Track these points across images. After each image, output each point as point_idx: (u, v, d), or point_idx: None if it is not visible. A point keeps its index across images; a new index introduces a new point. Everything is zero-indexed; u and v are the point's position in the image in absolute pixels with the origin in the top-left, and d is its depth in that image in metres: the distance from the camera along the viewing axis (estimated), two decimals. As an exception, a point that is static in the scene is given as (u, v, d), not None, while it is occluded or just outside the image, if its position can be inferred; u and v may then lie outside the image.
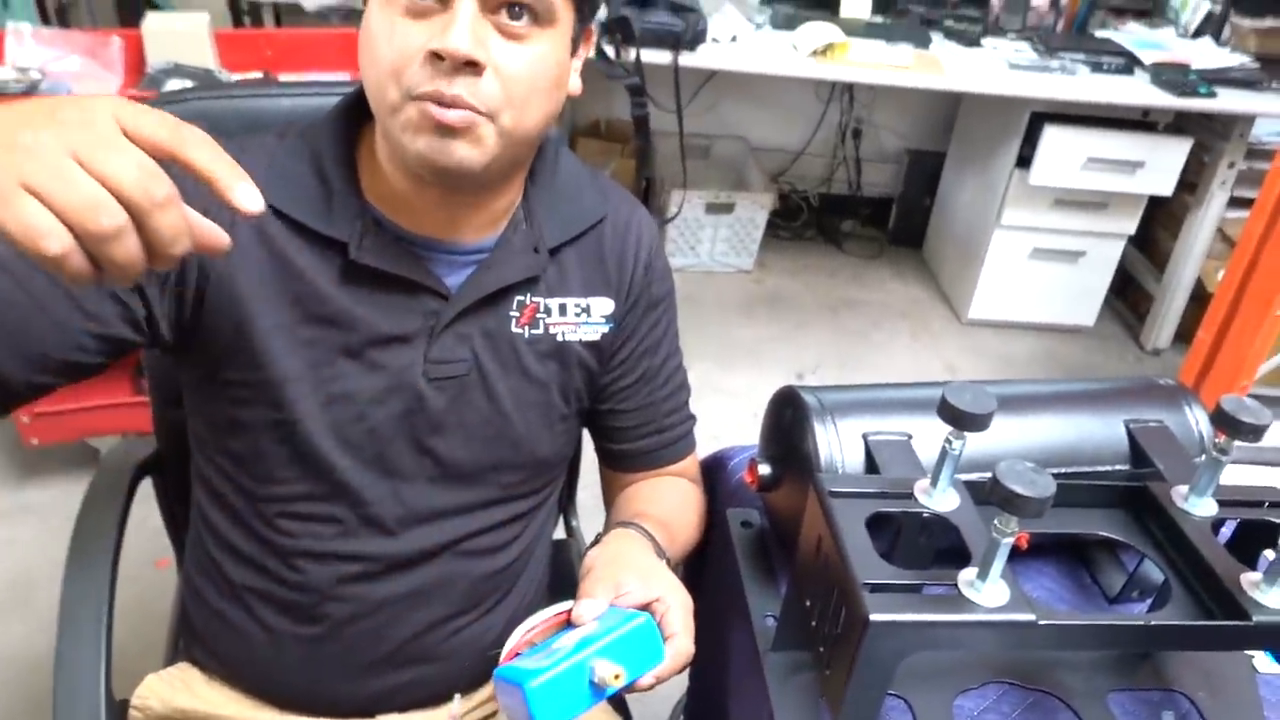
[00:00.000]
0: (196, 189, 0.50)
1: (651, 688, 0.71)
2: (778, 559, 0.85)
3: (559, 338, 0.85)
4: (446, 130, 0.68)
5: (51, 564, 0.97)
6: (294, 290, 0.76)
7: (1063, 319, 2.96)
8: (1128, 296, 3.13)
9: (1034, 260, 2.84)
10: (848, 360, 2.75)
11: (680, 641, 0.72)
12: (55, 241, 0.44)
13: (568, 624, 0.74)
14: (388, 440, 0.81)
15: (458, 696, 0.89)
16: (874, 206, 3.46)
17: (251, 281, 0.75)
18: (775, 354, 2.72)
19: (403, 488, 0.83)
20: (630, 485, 0.98)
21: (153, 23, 1.92)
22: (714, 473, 1.01)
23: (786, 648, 0.74)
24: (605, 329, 0.88)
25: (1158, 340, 2.93)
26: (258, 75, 2.03)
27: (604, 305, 0.87)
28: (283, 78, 2.04)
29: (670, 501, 0.95)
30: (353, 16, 2.62)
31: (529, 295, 0.83)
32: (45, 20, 2.35)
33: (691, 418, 0.99)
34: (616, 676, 0.65)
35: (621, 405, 0.93)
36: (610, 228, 0.88)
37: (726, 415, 2.31)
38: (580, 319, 0.86)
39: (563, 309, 0.85)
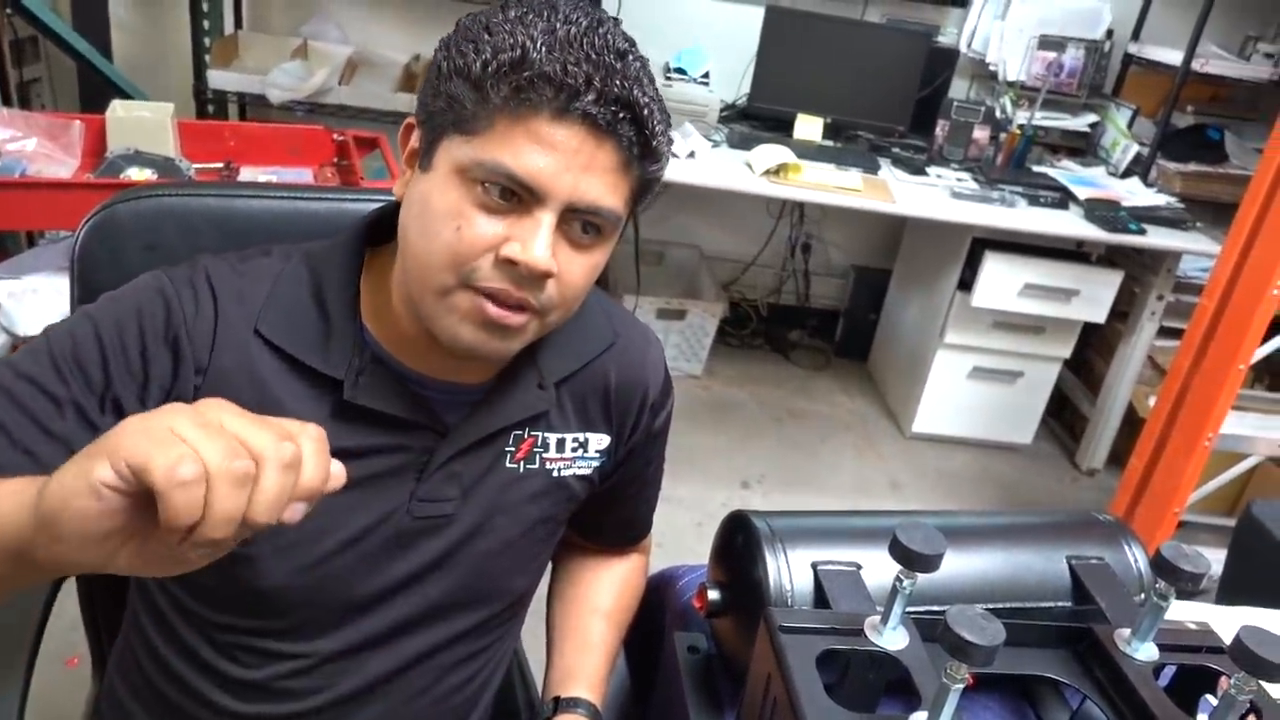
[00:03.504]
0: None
1: None
2: (725, 687, 0.83)
3: (554, 474, 0.83)
4: (500, 328, 0.68)
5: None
6: None
7: (1001, 437, 3.03)
8: (1064, 417, 3.22)
9: (974, 379, 2.92)
10: (793, 472, 2.77)
11: None
12: (191, 470, 0.45)
13: None
14: (358, 579, 0.77)
15: None
16: (821, 318, 3.54)
17: None
18: (721, 463, 2.73)
19: (369, 625, 0.79)
20: (585, 559, 0.99)
21: (118, 109, 1.93)
22: (661, 591, 1.00)
23: (732, 783, 0.72)
24: (598, 463, 0.86)
25: (1092, 461, 3.01)
26: (219, 165, 2.04)
27: (600, 441, 0.85)
28: (245, 169, 2.05)
29: (623, 598, 0.97)
30: (317, 110, 2.66)
31: (527, 429, 0.81)
32: (5, 100, 2.34)
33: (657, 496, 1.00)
34: None
35: (599, 507, 0.92)
36: (618, 361, 0.85)
37: (671, 523, 2.30)
38: (576, 454, 0.84)
39: (560, 444, 0.83)
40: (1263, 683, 0.59)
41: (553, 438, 0.82)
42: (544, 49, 0.63)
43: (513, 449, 0.81)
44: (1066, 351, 2.89)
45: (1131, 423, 2.86)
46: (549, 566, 0.97)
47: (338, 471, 0.52)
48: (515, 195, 0.65)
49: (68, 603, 1.02)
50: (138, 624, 0.84)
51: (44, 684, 0.87)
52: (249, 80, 2.65)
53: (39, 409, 0.66)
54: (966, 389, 2.93)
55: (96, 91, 2.54)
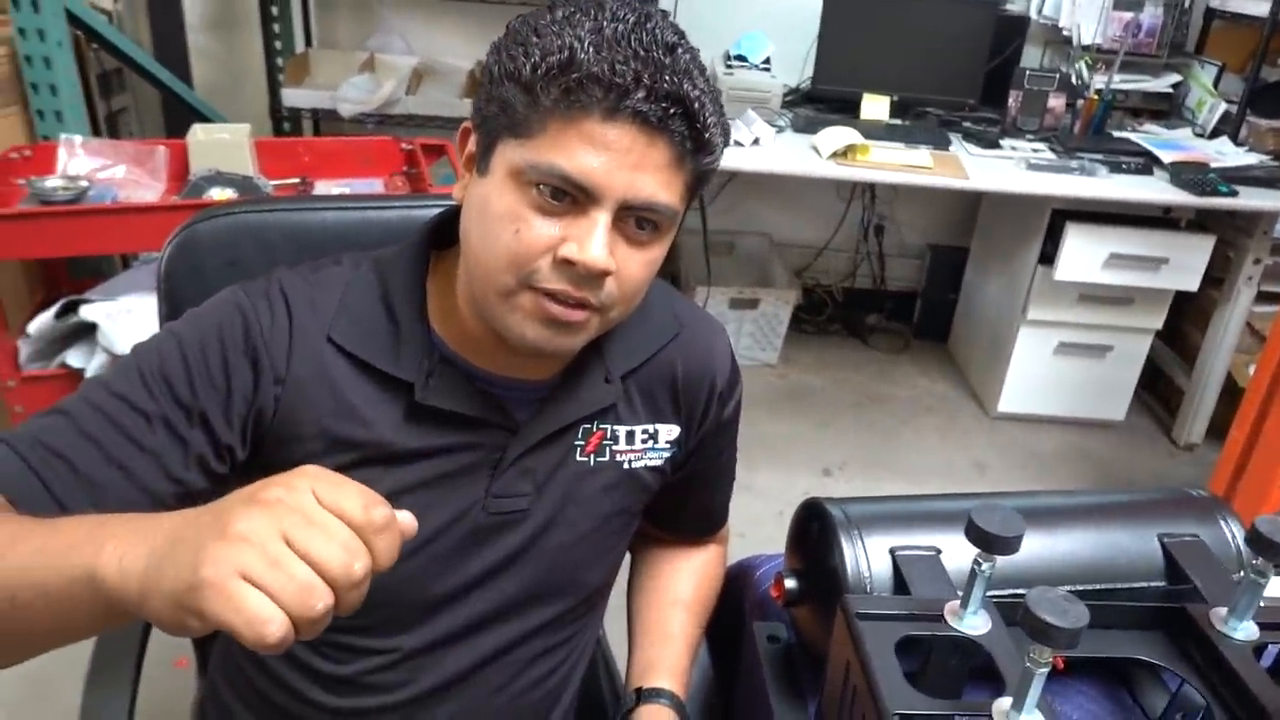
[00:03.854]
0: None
1: None
2: (806, 676, 0.83)
3: (625, 465, 0.84)
4: (563, 325, 0.69)
5: (71, 661, 0.96)
6: (354, 434, 0.75)
7: (1092, 413, 2.93)
8: (1158, 391, 3.10)
9: (1060, 355, 2.83)
10: (875, 457, 2.73)
11: None
12: (277, 628, 0.45)
13: None
14: (436, 576, 0.79)
15: None
16: (898, 300, 3.48)
17: (313, 421, 0.74)
18: (801, 451, 2.71)
19: (447, 621, 0.81)
20: (663, 551, 1.00)
21: (198, 133, 2.00)
22: (740, 581, 1.00)
23: (817, 773, 0.72)
24: (669, 454, 0.87)
25: (1190, 435, 2.89)
26: (295, 180, 2.11)
27: (670, 432, 0.86)
28: (320, 183, 2.11)
29: (702, 589, 0.98)
30: (386, 121, 2.72)
31: (595, 423, 0.82)
32: (96, 131, 2.45)
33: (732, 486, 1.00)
34: None
35: (674, 498, 0.93)
36: (684, 351, 0.85)
37: (752, 513, 2.29)
38: (646, 445, 0.85)
39: (630, 436, 0.84)
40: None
41: (622, 430, 0.83)
42: (591, 49, 0.63)
43: (582, 442, 0.81)
44: (1158, 322, 2.78)
45: (1231, 393, 2.73)
46: (625, 560, 0.98)
47: (408, 522, 0.53)
48: (570, 196, 0.66)
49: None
50: None
51: (153, 685, 0.91)
52: (320, 96, 2.73)
53: (131, 425, 0.69)
54: (1053, 366, 2.84)
55: (180, 117, 2.65)
